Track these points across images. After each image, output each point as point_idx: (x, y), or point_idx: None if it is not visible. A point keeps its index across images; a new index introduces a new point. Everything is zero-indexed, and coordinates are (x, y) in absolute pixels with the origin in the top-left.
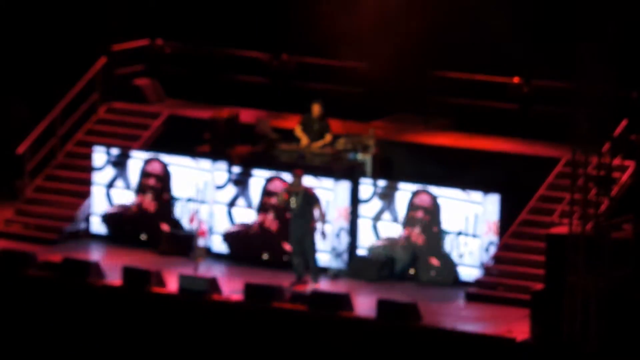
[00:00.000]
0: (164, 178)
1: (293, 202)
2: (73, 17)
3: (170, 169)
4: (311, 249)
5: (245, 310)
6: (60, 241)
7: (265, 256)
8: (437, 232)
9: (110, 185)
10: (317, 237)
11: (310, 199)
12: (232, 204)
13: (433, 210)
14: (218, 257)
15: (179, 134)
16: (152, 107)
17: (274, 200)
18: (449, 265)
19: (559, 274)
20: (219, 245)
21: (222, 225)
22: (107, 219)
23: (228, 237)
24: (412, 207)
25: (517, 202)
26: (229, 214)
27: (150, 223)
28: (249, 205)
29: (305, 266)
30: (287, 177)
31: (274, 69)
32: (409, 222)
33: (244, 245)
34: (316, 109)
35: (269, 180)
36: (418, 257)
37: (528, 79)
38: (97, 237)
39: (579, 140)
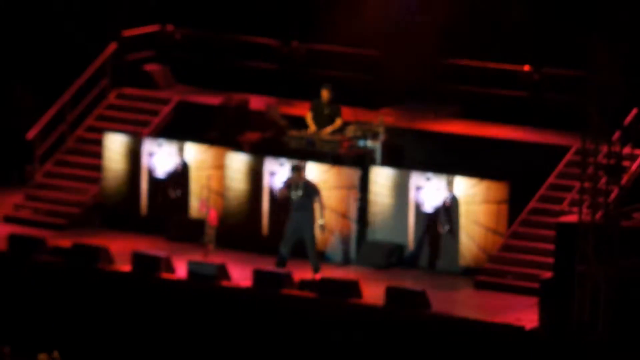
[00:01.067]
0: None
1: (294, 195)
2: (84, 3)
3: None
4: (311, 240)
5: (254, 297)
6: (70, 226)
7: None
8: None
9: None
10: (316, 229)
11: (310, 191)
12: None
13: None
14: (227, 243)
15: (189, 120)
16: (162, 93)
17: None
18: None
19: (569, 263)
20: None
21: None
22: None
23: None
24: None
25: (527, 190)
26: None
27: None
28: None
29: (287, 256)
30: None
31: (284, 56)
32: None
33: None
34: (325, 94)
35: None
36: None
37: (539, 67)
38: (107, 223)
39: (589, 129)
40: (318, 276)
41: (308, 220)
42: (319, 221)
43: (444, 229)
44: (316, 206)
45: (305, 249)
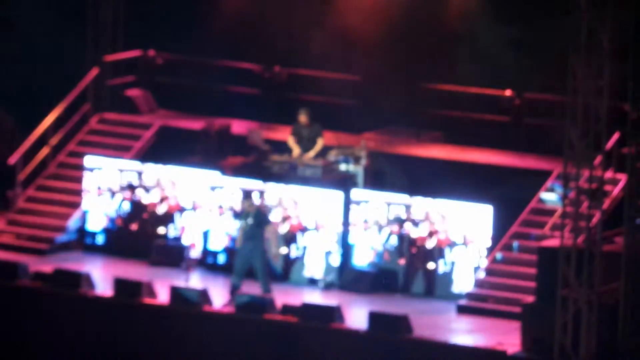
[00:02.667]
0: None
1: (243, 223)
2: (65, 28)
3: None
4: (262, 267)
5: (237, 322)
6: (52, 251)
7: None
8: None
9: (104, 189)
10: (268, 258)
11: (262, 220)
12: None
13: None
14: (210, 267)
15: (170, 145)
16: (143, 117)
17: None
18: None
19: (550, 287)
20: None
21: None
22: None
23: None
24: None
25: (508, 214)
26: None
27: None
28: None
29: (240, 286)
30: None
31: (266, 80)
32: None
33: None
34: (303, 117)
35: None
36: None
37: (520, 92)
38: (89, 248)
39: (570, 153)
40: (270, 295)
41: (258, 250)
42: (272, 250)
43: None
44: (269, 234)
45: (255, 273)
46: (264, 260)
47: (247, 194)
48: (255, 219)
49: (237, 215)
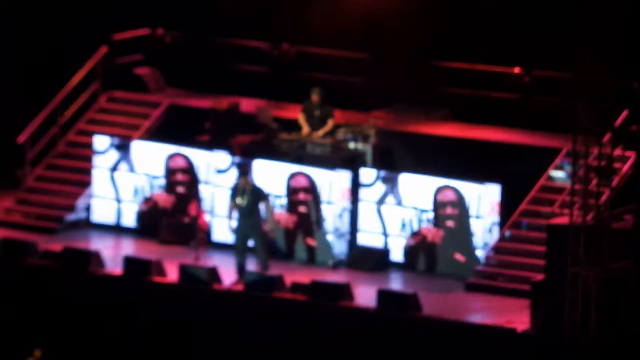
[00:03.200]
0: (190, 170)
1: (240, 200)
2: (74, 6)
3: (192, 159)
4: (260, 245)
5: (246, 300)
6: (61, 230)
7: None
8: (466, 227)
9: (114, 169)
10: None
11: (258, 196)
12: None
13: (460, 204)
14: (219, 246)
15: (179, 124)
16: (152, 96)
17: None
18: (473, 261)
19: (560, 265)
20: (221, 235)
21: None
22: (140, 215)
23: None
24: (438, 204)
25: (517, 192)
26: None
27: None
28: None
29: (246, 263)
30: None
31: (274, 59)
32: (439, 220)
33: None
34: (315, 96)
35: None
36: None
37: (529, 69)
38: (98, 226)
39: (579, 131)
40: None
41: (254, 227)
42: (269, 225)
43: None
44: (264, 210)
45: (253, 250)
46: (262, 237)
47: (241, 171)
48: (252, 195)
49: (231, 193)
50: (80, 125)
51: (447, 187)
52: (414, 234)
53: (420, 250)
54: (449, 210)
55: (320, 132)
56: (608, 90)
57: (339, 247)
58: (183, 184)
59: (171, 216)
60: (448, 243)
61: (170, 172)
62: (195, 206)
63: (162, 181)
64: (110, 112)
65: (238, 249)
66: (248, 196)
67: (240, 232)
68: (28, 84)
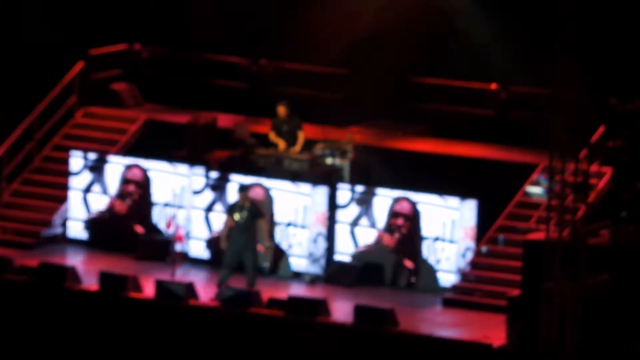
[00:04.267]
0: (144, 184)
1: (237, 216)
2: (51, 21)
3: (150, 174)
4: (251, 263)
5: (222, 316)
6: (37, 245)
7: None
8: (417, 239)
9: (87, 190)
10: (259, 253)
11: (255, 213)
12: (209, 209)
13: (413, 217)
14: (195, 262)
15: (156, 139)
16: (129, 111)
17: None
18: (428, 271)
19: (536, 280)
20: (197, 251)
21: (200, 230)
22: (88, 224)
23: (88, 224)
24: (392, 214)
25: (494, 207)
26: (207, 219)
27: (127, 227)
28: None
29: (229, 279)
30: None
31: (252, 74)
32: (389, 229)
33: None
34: (281, 110)
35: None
36: (399, 261)
37: (505, 85)
38: (74, 242)
39: (556, 147)
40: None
41: (249, 244)
42: (263, 243)
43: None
44: (261, 227)
45: (245, 266)
46: (255, 255)
47: (242, 187)
48: (250, 213)
49: (229, 209)
50: (56, 140)
51: (405, 199)
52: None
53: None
54: (399, 222)
55: (297, 147)
56: (585, 106)
57: (315, 270)
58: (134, 195)
59: (122, 224)
60: (398, 252)
61: (124, 182)
62: (172, 222)
63: (115, 189)
64: (87, 127)
65: (227, 264)
66: (246, 212)
67: (234, 248)
68: (4, 99)
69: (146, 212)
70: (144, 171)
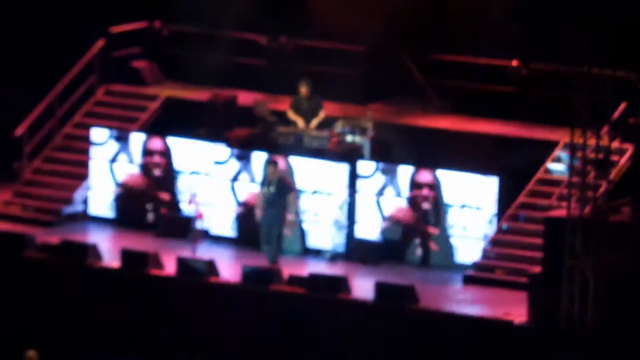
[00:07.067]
0: (167, 154)
1: (266, 190)
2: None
3: (172, 145)
4: (277, 236)
5: (243, 293)
6: (58, 223)
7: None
8: (441, 208)
9: (113, 160)
10: (285, 227)
11: (284, 189)
12: (235, 179)
13: (436, 186)
14: (216, 239)
15: (177, 116)
16: (149, 89)
17: None
18: (448, 249)
19: (557, 257)
20: (219, 229)
21: (226, 203)
22: (112, 201)
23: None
24: (415, 185)
25: (515, 185)
26: (233, 189)
27: (151, 201)
28: (252, 180)
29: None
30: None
31: (272, 51)
32: (412, 202)
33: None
34: (303, 89)
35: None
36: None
37: (526, 62)
38: (95, 219)
39: (577, 123)
40: (276, 265)
41: (277, 217)
42: (290, 217)
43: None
44: (289, 201)
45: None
46: (281, 230)
47: (270, 161)
48: (277, 187)
49: (260, 182)
50: (77, 118)
51: (424, 169)
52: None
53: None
54: (425, 192)
55: (314, 123)
56: (606, 82)
57: (338, 239)
58: (159, 166)
59: (145, 197)
60: (422, 224)
61: (147, 153)
62: (193, 199)
63: (139, 162)
64: (108, 105)
65: (263, 239)
66: (274, 187)
67: (265, 222)
68: (25, 77)
69: (171, 181)
70: (164, 141)
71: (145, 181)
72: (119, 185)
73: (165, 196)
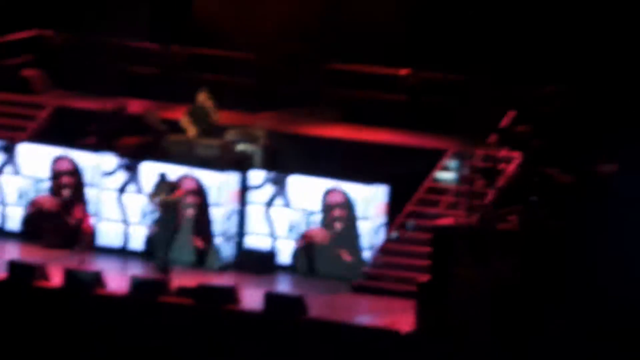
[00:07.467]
0: (75, 173)
1: (156, 199)
2: None
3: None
4: (165, 249)
5: (131, 304)
6: None
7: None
8: (354, 228)
9: None
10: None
11: (174, 205)
12: (122, 190)
13: (348, 206)
14: (104, 250)
15: (66, 126)
16: (38, 98)
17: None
18: (359, 262)
19: (445, 266)
20: (107, 239)
21: (113, 213)
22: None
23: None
24: (327, 207)
25: (404, 193)
26: (119, 200)
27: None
28: (139, 191)
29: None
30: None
31: (164, 60)
32: (327, 222)
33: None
34: (201, 96)
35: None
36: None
37: (416, 71)
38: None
39: (465, 132)
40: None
41: (165, 229)
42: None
43: None
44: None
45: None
46: (169, 241)
47: (162, 176)
48: (169, 205)
49: (150, 193)
50: None
51: (335, 189)
52: (301, 237)
53: (306, 252)
54: (337, 213)
55: (198, 132)
56: (493, 92)
57: (227, 250)
58: (68, 186)
59: (56, 219)
60: (336, 244)
61: (55, 175)
62: (81, 210)
63: (48, 184)
64: None
65: (158, 248)
66: (165, 194)
67: (156, 233)
68: None
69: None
70: (72, 160)
71: (55, 203)
72: (30, 204)
73: (77, 214)
